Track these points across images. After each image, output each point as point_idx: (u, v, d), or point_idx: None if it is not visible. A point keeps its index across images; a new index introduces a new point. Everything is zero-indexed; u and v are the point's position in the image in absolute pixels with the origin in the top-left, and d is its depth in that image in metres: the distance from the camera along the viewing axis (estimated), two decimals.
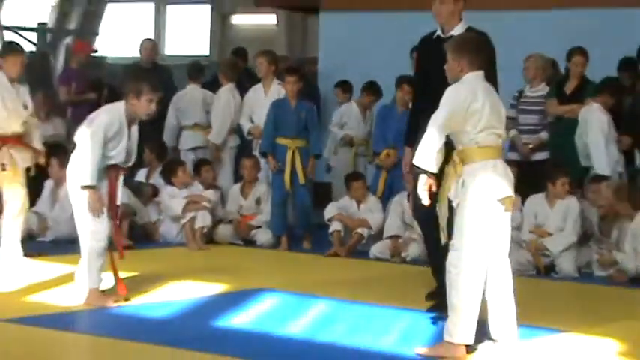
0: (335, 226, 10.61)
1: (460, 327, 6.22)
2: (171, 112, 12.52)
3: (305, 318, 7.42)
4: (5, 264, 9.07)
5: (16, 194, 9.41)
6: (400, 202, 10.37)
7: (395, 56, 12.71)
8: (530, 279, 9.38)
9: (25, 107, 9.49)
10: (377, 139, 11.57)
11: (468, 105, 6.31)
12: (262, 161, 11.39)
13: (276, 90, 11.58)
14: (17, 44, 10.02)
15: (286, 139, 10.95)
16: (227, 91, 12.06)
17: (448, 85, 6.95)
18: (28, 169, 9.55)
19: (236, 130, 12.14)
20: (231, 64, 12.70)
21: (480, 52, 6.62)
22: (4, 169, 9.30)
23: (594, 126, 10.20)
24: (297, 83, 10.98)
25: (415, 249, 10.10)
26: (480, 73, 6.50)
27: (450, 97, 6.37)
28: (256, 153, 11.62)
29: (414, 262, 9.98)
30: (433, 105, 7.07)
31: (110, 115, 7.68)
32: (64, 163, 10.87)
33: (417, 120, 7.86)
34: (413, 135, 7.88)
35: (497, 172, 6.32)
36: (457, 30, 7.71)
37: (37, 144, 9.65)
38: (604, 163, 10.10)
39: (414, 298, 8.06)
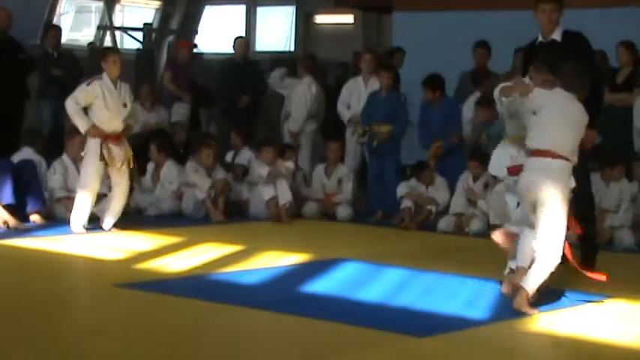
0: (406, 203, 10.57)
1: None
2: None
3: (379, 285, 7.42)
4: (107, 235, 9.33)
5: (120, 181, 9.60)
6: (465, 181, 10.34)
7: (458, 53, 12.64)
8: None
9: (125, 106, 9.61)
10: (422, 134, 11.45)
11: None
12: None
13: (375, 83, 11.56)
14: (113, 47, 10.20)
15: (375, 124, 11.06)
16: (304, 83, 12.11)
17: None
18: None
19: (315, 116, 12.17)
20: (310, 59, 12.79)
21: None
22: (102, 159, 9.44)
23: None
24: (391, 78, 11.13)
25: (477, 224, 10.07)
26: None
27: None
28: (353, 138, 11.66)
29: (476, 236, 9.95)
30: None
31: None
32: (162, 148, 11.09)
33: None
34: None
35: None
36: (556, 34, 7.78)
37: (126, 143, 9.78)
38: None
39: (476, 268, 8.06)
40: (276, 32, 19.59)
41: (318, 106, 12.20)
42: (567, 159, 6.66)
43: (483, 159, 10.36)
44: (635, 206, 9.73)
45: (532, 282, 6.52)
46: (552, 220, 6.53)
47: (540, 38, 7.92)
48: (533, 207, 6.62)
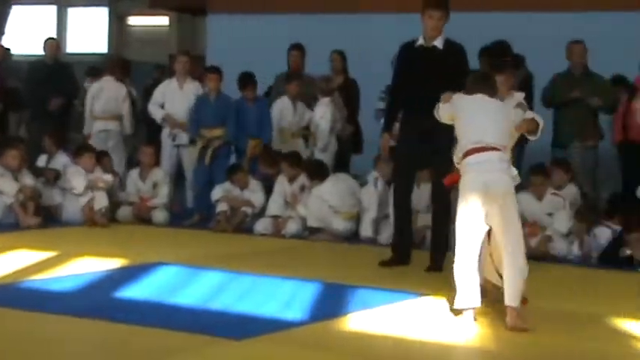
0: (222, 207, 10.56)
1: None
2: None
3: (197, 288, 7.38)
4: None
5: None
6: (282, 184, 10.40)
7: (271, 54, 12.69)
8: None
9: None
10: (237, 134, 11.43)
11: None
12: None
13: (192, 85, 11.56)
14: None
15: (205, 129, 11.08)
16: (94, 85, 12.26)
17: (428, 83, 7.28)
18: None
19: (108, 117, 12.13)
20: (115, 61, 12.81)
21: None
22: None
23: None
24: (218, 81, 11.15)
25: (293, 226, 10.14)
26: None
27: None
28: (169, 140, 11.63)
29: (293, 238, 10.04)
30: (414, 99, 7.33)
31: None
32: None
33: (396, 111, 8.26)
34: (392, 123, 8.32)
35: None
36: (438, 41, 8.03)
37: None
38: None
39: (294, 269, 8.13)
40: (88, 34, 19.27)
41: (105, 108, 12.11)
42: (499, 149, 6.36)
43: (296, 160, 10.47)
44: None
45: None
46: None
47: (421, 42, 8.13)
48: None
